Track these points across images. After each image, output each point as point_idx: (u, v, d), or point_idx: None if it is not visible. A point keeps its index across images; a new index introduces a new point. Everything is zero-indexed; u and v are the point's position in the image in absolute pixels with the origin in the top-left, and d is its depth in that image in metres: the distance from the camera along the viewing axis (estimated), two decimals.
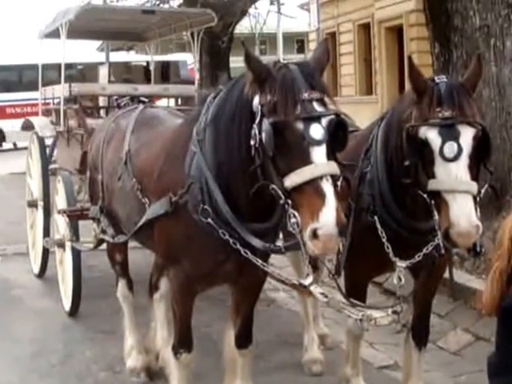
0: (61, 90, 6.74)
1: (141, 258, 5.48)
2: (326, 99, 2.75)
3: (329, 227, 2.51)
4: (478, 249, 2.98)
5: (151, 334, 4.70)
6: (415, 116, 3.16)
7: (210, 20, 6.89)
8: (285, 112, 2.64)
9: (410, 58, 3.25)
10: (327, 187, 2.58)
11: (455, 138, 3.00)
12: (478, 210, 2.96)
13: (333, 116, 2.72)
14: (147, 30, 7.95)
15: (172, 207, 3.17)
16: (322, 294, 2.97)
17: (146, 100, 6.36)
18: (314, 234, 2.53)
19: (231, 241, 3.04)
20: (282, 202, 2.64)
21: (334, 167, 2.66)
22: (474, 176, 3.02)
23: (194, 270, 3.25)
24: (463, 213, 2.89)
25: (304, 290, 3.11)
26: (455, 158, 2.98)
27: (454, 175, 2.98)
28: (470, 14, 6.74)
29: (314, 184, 2.58)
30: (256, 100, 2.78)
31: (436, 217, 3.01)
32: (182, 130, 3.40)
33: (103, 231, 4.31)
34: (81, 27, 7.20)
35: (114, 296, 4.80)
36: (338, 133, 2.72)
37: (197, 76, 7.79)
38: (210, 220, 3.05)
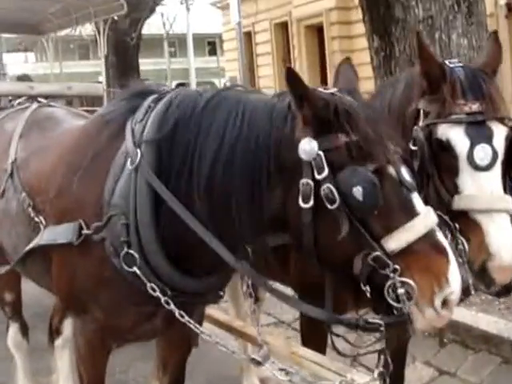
0: None
1: None
2: None
3: (459, 290, 2.05)
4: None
5: None
6: (428, 111, 2.55)
7: (118, 8, 6.21)
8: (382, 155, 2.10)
9: (418, 34, 2.63)
10: (443, 239, 2.09)
11: (488, 139, 2.44)
12: None
13: None
14: (44, 21, 7.16)
15: (80, 239, 2.51)
16: (282, 370, 2.36)
17: (44, 101, 5.74)
18: (444, 303, 2.04)
19: (163, 299, 2.43)
20: (386, 271, 2.04)
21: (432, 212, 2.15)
22: (505, 189, 2.45)
23: (108, 323, 2.60)
24: (505, 240, 2.35)
25: (258, 365, 2.50)
26: (489, 167, 2.41)
27: (488, 189, 2.41)
28: (412, 3, 6.39)
29: (428, 239, 2.06)
30: (309, 145, 2.10)
31: (463, 245, 2.44)
32: (94, 136, 2.66)
33: None
34: None
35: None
36: None
37: (103, 72, 7.10)
38: (135, 269, 2.41)
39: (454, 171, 2.46)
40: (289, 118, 2.17)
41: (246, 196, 2.19)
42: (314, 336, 2.97)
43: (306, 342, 3.13)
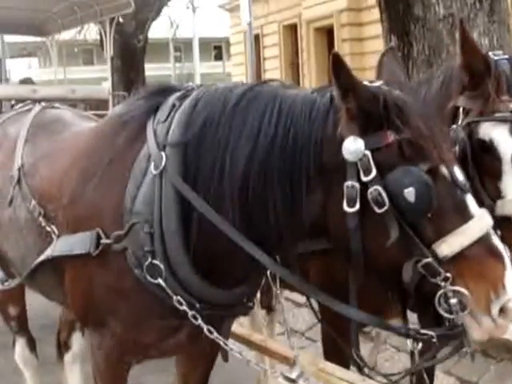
0: None
1: None
2: None
3: None
4: None
5: None
6: (469, 108, 2.39)
7: (125, 6, 5.97)
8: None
9: (461, 22, 2.44)
10: (498, 243, 1.95)
11: None
12: None
13: None
14: (48, 21, 6.95)
15: (98, 249, 2.32)
16: None
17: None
18: (502, 311, 1.90)
19: (190, 313, 2.25)
20: (437, 279, 1.90)
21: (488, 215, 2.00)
22: None
23: (128, 338, 2.43)
24: None
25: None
26: None
27: None
28: (433, 1, 6.20)
29: (482, 243, 1.92)
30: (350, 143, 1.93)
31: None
32: (111, 138, 2.48)
33: None
34: None
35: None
36: None
37: (109, 75, 6.90)
38: (160, 281, 2.24)
39: (497, 174, 2.34)
40: (331, 115, 1.99)
41: (284, 200, 2.03)
42: (337, 352, 2.79)
43: (329, 357, 2.98)
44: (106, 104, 5.90)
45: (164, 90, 2.43)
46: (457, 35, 6.32)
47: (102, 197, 2.36)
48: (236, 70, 22.95)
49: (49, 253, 2.51)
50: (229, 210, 2.10)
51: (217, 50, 43.05)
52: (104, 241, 2.30)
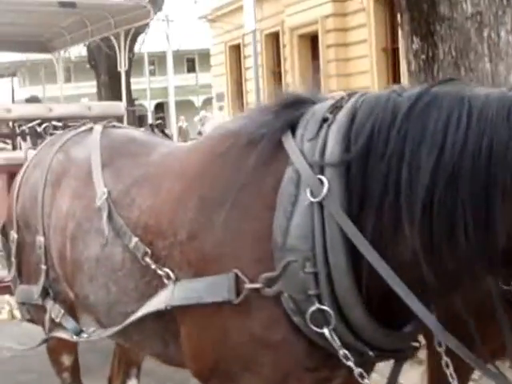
0: None
1: None
2: None
3: None
4: None
5: None
6: None
7: (143, 16, 5.65)
8: None
9: None
10: None
11: None
12: None
13: None
14: (56, 37, 6.59)
15: (241, 296, 1.98)
16: None
17: (60, 124, 5.20)
18: None
19: (357, 371, 1.93)
20: None
21: None
22: None
23: None
24: None
25: None
26: None
27: None
28: None
29: None
30: None
31: None
32: (236, 160, 2.13)
33: (53, 324, 2.94)
34: None
35: None
36: None
37: (123, 91, 6.57)
38: (326, 331, 1.92)
39: None
40: None
41: (476, 222, 1.71)
42: None
43: None
44: (121, 120, 5.57)
45: (296, 102, 2.11)
46: (485, 34, 6.12)
47: (238, 230, 2.03)
48: (216, 81, 22.70)
49: (166, 302, 2.16)
50: (404, 236, 1.80)
51: (190, 62, 42.82)
52: (250, 285, 1.96)
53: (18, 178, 3.22)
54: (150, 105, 31.30)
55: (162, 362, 2.58)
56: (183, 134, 21.99)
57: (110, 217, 2.45)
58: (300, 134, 2.01)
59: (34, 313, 3.19)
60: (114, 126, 3.11)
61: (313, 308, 1.90)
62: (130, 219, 2.40)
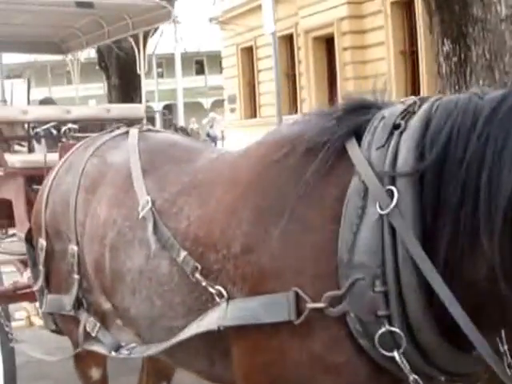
0: None
1: None
2: None
3: None
4: None
5: None
6: None
7: (164, 17, 5.43)
8: None
9: None
10: None
11: None
12: None
13: None
14: (70, 38, 6.38)
15: (302, 317, 1.84)
16: None
17: (75, 126, 5.03)
18: None
19: None
20: None
21: None
22: None
23: None
24: None
25: None
26: None
27: None
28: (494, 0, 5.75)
29: None
30: None
31: None
32: (293, 169, 1.99)
33: (87, 337, 2.81)
34: None
35: None
36: None
37: (143, 93, 6.35)
38: (396, 354, 1.77)
39: None
40: None
41: None
42: None
43: None
44: (140, 123, 5.35)
45: (361, 107, 1.96)
46: None
47: (297, 243, 1.90)
48: (228, 83, 22.54)
49: (219, 322, 2.03)
50: (485, 248, 1.64)
51: (198, 64, 42.79)
52: (313, 305, 1.83)
53: (48, 183, 3.07)
54: (158, 107, 31.25)
55: (204, 379, 2.45)
56: (194, 136, 21.91)
57: (155, 227, 2.31)
58: (367, 141, 1.87)
59: (62, 324, 3.07)
60: (149, 130, 2.97)
61: (382, 330, 1.78)
62: (177, 230, 2.26)
